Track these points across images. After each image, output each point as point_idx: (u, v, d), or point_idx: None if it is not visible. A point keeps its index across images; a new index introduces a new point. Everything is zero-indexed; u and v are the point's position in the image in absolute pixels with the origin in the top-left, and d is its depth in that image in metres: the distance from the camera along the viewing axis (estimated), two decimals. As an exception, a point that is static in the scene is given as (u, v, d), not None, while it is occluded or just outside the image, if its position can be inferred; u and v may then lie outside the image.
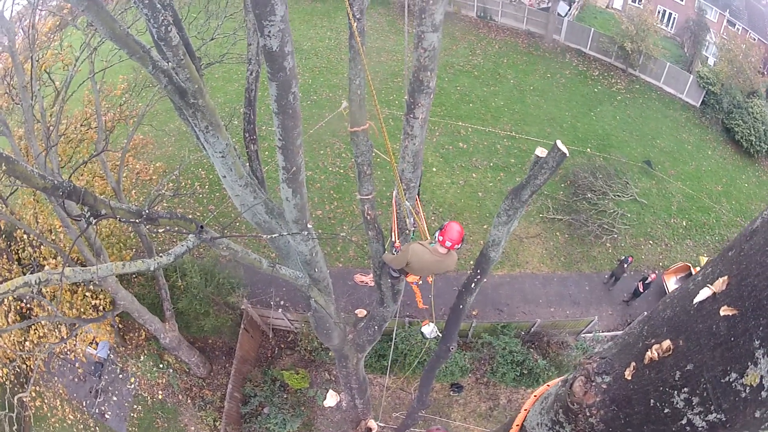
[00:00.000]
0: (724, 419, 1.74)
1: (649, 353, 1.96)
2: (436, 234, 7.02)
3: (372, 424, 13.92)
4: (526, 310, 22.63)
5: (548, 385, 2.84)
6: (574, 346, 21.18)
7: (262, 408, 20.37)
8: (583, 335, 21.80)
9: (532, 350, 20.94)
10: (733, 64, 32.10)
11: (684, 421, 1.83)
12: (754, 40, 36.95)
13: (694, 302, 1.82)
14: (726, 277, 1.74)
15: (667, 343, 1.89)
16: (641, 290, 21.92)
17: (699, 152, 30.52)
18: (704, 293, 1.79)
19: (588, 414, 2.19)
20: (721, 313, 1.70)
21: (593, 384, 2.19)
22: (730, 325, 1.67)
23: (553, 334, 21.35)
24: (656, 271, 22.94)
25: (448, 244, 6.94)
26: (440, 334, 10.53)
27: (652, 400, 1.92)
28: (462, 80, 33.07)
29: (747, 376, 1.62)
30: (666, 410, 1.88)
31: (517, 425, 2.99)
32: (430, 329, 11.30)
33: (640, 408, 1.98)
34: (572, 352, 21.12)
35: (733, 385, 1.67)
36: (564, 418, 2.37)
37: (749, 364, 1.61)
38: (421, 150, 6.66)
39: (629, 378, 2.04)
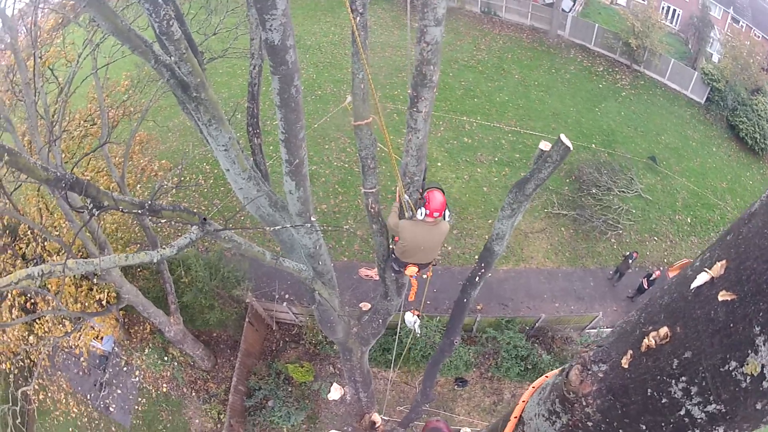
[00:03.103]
0: (723, 410, 1.70)
1: (646, 341, 1.92)
2: (420, 210, 7.02)
3: (376, 417, 13.89)
4: (531, 305, 22.63)
5: (546, 376, 2.83)
6: (578, 342, 21.18)
7: (266, 401, 20.41)
8: (587, 331, 21.79)
9: (536, 345, 20.95)
10: (738, 60, 32.12)
11: (682, 412, 1.79)
12: (758, 37, 36.84)
13: (692, 287, 1.78)
14: (724, 261, 1.69)
15: (664, 330, 1.85)
16: (646, 286, 21.85)
17: (704, 149, 30.44)
18: (702, 278, 1.74)
19: (584, 403, 2.16)
20: (720, 299, 1.65)
21: (589, 372, 2.16)
22: (728, 310, 1.62)
23: (557, 330, 21.35)
24: (661, 268, 22.89)
25: (435, 215, 6.95)
26: (417, 327, 10.54)
27: (649, 390, 1.89)
28: (466, 75, 33.04)
29: (747, 364, 1.57)
30: (664, 400, 1.84)
31: (516, 417, 2.98)
32: (412, 319, 11.28)
33: (638, 398, 1.94)
34: (576, 347, 21.11)
35: (732, 374, 1.62)
36: (560, 408, 2.34)
37: (749, 351, 1.56)
38: (425, 144, 6.65)
39: (626, 366, 2.01)
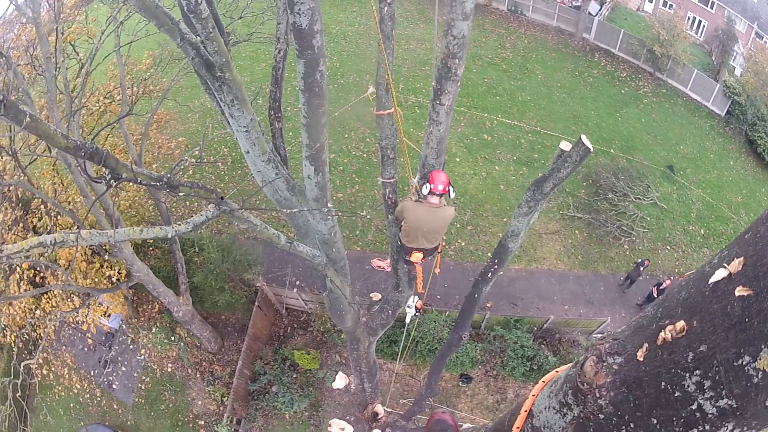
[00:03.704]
0: (734, 406, 1.72)
1: (662, 334, 1.94)
2: (425, 186, 7.02)
3: (379, 408, 13.91)
4: (540, 306, 22.59)
5: (557, 371, 2.84)
6: (584, 346, 21.12)
7: (270, 386, 20.52)
8: (594, 335, 21.73)
9: (543, 346, 20.95)
10: (760, 76, 31.84)
11: (694, 406, 1.81)
12: (781, 55, 36.44)
13: (710, 282, 1.81)
14: (742, 258, 1.72)
15: (681, 324, 1.87)
16: (655, 295, 21.74)
17: (721, 161, 30.23)
18: (720, 273, 1.78)
19: (597, 395, 2.18)
20: (736, 294, 1.68)
21: (604, 364, 2.18)
22: (744, 305, 1.65)
23: (565, 332, 21.34)
24: (671, 277, 22.77)
25: (440, 188, 6.93)
26: (416, 311, 10.48)
27: (663, 383, 1.90)
28: (490, 72, 32.95)
29: (760, 359, 1.60)
30: (677, 394, 1.86)
31: (525, 410, 2.99)
32: (412, 303, 11.17)
33: (651, 390, 1.96)
34: (582, 351, 21.05)
35: (745, 369, 1.64)
36: (573, 400, 2.36)
37: (763, 347, 1.59)
38: (446, 137, 6.65)
39: (641, 359, 2.03)
